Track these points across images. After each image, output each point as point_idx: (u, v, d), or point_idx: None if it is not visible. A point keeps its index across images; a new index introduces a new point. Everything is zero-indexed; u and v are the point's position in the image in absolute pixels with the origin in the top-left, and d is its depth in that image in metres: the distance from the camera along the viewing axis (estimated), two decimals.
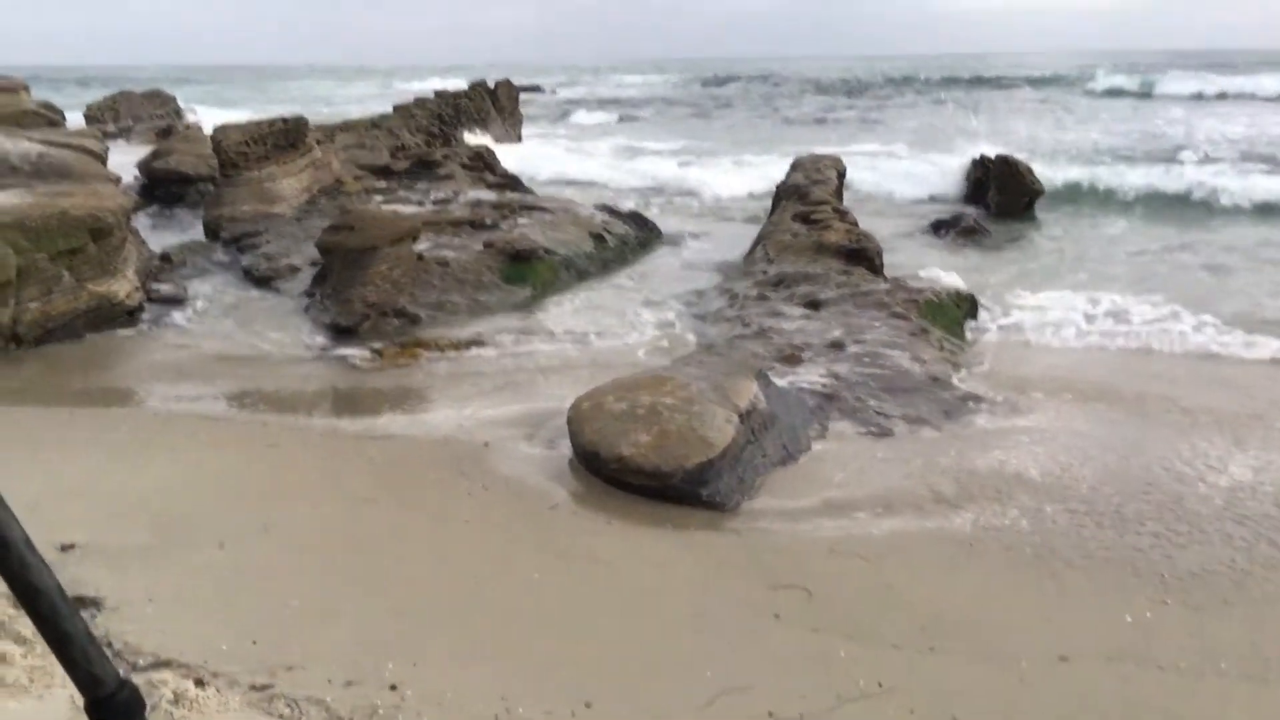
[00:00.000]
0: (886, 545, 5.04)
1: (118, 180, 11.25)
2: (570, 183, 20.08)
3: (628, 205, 15.59)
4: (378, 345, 8.71)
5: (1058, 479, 5.86)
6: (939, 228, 14.70)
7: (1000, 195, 16.14)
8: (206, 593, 4.19)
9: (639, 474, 5.62)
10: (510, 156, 20.03)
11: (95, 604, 4.01)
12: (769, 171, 18.32)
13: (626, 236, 13.31)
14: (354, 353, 8.45)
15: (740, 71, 79.42)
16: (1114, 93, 44.63)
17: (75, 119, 24.35)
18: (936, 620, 4.25)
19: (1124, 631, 4.22)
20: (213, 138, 14.31)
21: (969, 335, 9.24)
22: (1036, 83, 51.87)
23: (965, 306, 9.74)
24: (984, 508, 5.47)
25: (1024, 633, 4.18)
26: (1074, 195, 17.30)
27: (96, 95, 34.70)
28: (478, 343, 8.83)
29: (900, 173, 19.55)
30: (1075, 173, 17.28)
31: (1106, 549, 4.95)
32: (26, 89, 16.71)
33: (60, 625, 1.20)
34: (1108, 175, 17.64)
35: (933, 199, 17.62)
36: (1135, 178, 17.73)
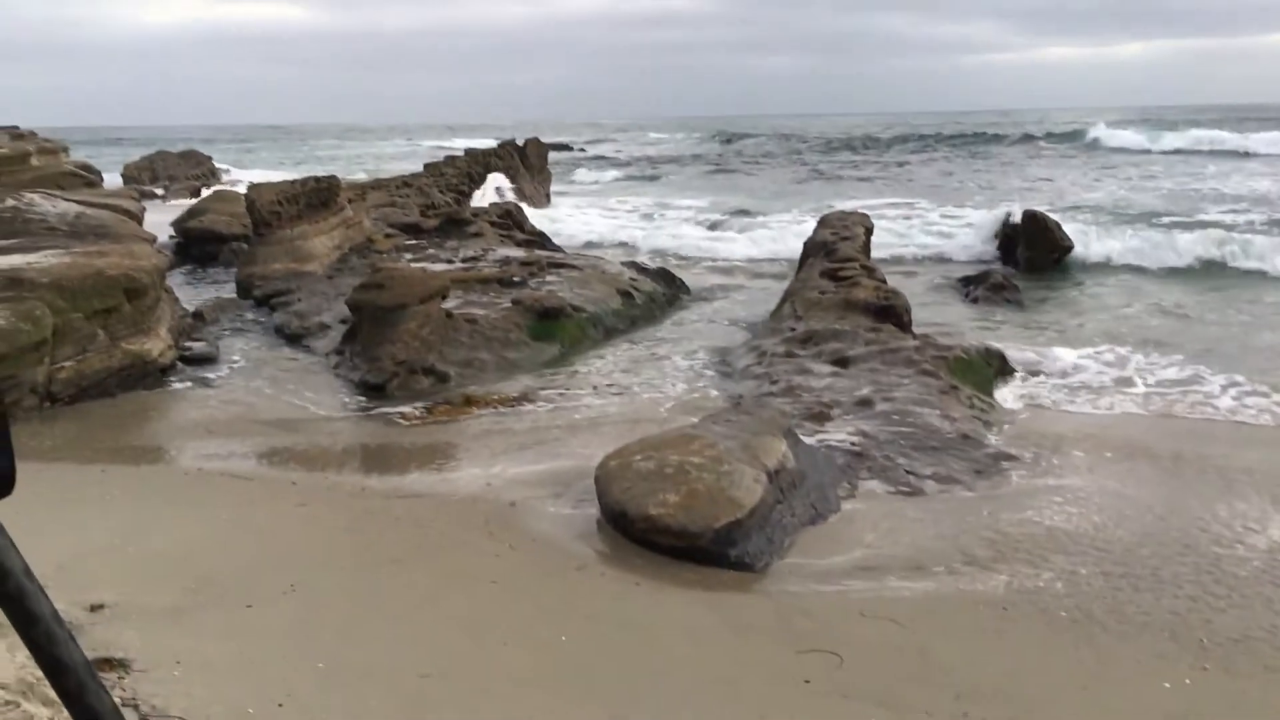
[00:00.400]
0: (919, 608, 4.97)
1: (153, 240, 11.43)
2: (597, 242, 20.19)
3: (655, 262, 15.66)
4: (423, 403, 8.76)
5: (1092, 540, 5.78)
6: (968, 284, 14.66)
7: (1029, 251, 16.12)
8: (234, 655, 4.18)
9: (667, 534, 5.59)
10: (540, 217, 20.24)
11: (124, 666, 4.00)
12: (793, 228, 18.41)
13: (654, 293, 13.36)
14: (401, 410, 8.49)
15: (760, 128, 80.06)
16: (1126, 150, 43.85)
17: (112, 178, 24.81)
18: (971, 687, 4.18)
19: (1163, 699, 4.13)
20: (246, 197, 14.55)
21: (999, 393, 9.16)
22: (1057, 138, 51.67)
23: (995, 364, 9.68)
24: (1018, 570, 5.39)
25: (1060, 700, 4.10)
26: (1104, 252, 17.22)
27: (131, 155, 35.39)
28: (527, 398, 8.84)
29: (926, 229, 19.57)
30: (1109, 245, 16.98)
31: (1144, 613, 4.86)
32: (66, 150, 17.09)
33: (88, 702, 1.20)
34: (1141, 241, 17.32)
35: (959, 257, 17.60)
36: (1164, 236, 17.57)
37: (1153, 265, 16.17)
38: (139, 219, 12.65)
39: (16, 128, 17.83)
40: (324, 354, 10.47)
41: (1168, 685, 4.22)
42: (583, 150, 58.29)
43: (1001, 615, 4.89)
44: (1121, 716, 3.94)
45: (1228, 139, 43.43)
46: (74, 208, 11.32)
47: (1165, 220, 20.00)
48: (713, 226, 21.48)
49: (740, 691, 4.12)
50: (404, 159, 48.06)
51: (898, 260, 17.22)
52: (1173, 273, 15.89)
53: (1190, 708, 4.03)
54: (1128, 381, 9.50)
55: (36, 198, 11.50)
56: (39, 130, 19.08)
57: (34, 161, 14.91)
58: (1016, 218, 17.25)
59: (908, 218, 21.38)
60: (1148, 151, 42.69)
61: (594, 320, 11.58)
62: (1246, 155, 39.21)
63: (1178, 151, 41.60)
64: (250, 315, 12.27)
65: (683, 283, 14.44)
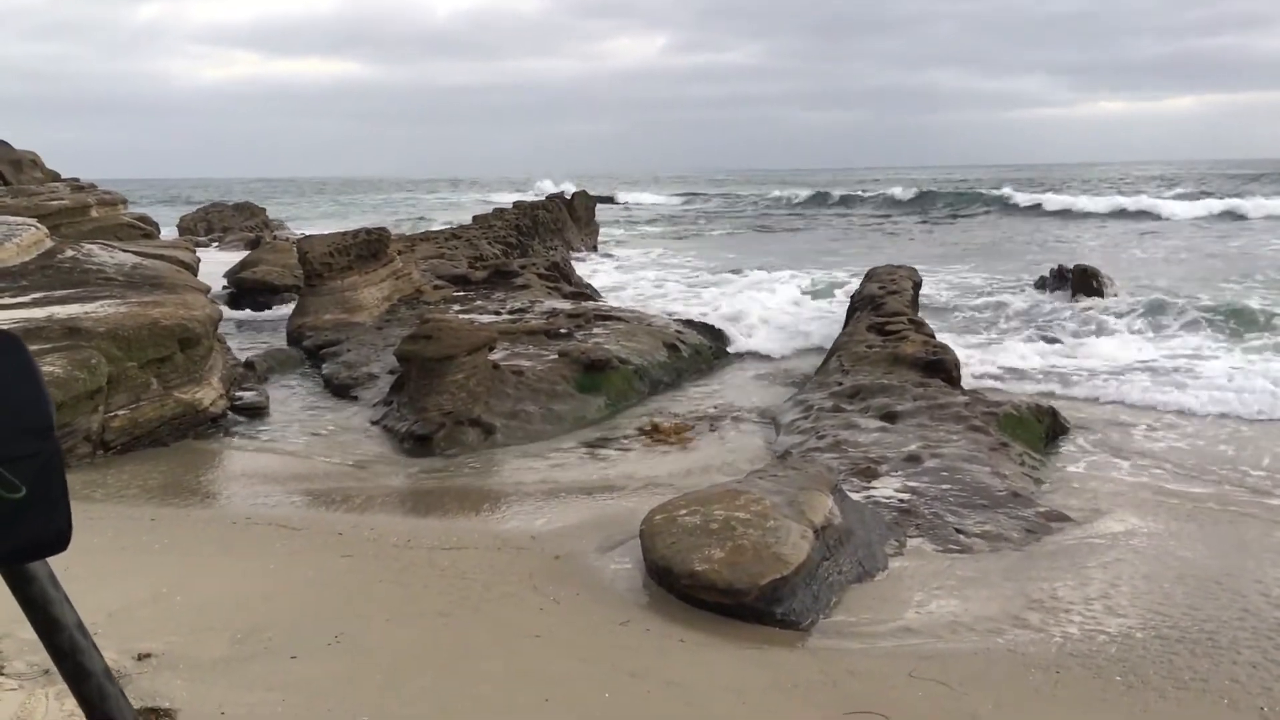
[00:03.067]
0: (968, 670, 4.87)
1: (207, 290, 11.64)
2: (641, 295, 20.25)
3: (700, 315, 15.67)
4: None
5: (1147, 602, 5.65)
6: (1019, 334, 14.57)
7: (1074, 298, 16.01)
8: (279, 706, 4.18)
9: (712, 591, 5.54)
10: (586, 270, 20.31)
11: (169, 716, 4.01)
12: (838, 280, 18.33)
13: (700, 346, 13.37)
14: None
15: (811, 181, 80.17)
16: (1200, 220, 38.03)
17: (169, 230, 25.35)
18: None
19: None
20: (298, 248, 14.81)
21: (1051, 450, 9.04)
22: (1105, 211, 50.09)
23: (1046, 421, 9.55)
24: (1070, 632, 5.28)
25: None
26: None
27: (185, 208, 36.13)
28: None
29: (972, 287, 19.46)
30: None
31: (1201, 679, 4.73)
32: (124, 203, 17.49)
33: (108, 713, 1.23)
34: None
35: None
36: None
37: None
38: (194, 270, 12.90)
39: (77, 180, 18.27)
40: (372, 404, 10.57)
41: None
42: (626, 207, 58.63)
43: (1054, 679, 4.78)
44: None
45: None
46: (131, 258, 11.57)
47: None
48: (754, 283, 21.40)
49: None
50: (452, 210, 48.70)
51: (944, 313, 17.08)
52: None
53: None
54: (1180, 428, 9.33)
55: (95, 248, 11.77)
56: (98, 182, 19.54)
57: (93, 213, 15.27)
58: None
59: (956, 274, 21.26)
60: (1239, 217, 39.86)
61: (640, 373, 11.59)
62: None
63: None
64: (300, 365, 12.42)
65: (727, 335, 14.43)
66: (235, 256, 23.16)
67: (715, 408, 10.70)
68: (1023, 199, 45.86)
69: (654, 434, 9.60)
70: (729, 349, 14.03)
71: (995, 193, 48.56)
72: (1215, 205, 39.20)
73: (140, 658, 4.50)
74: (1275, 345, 13.12)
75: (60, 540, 1.71)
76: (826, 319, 15.34)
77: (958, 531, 6.90)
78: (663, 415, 10.31)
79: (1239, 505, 7.48)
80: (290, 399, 10.91)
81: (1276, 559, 6.32)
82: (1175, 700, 4.55)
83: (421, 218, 42.01)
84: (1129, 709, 4.48)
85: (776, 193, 56.32)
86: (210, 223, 31.72)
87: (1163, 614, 5.48)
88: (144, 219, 16.98)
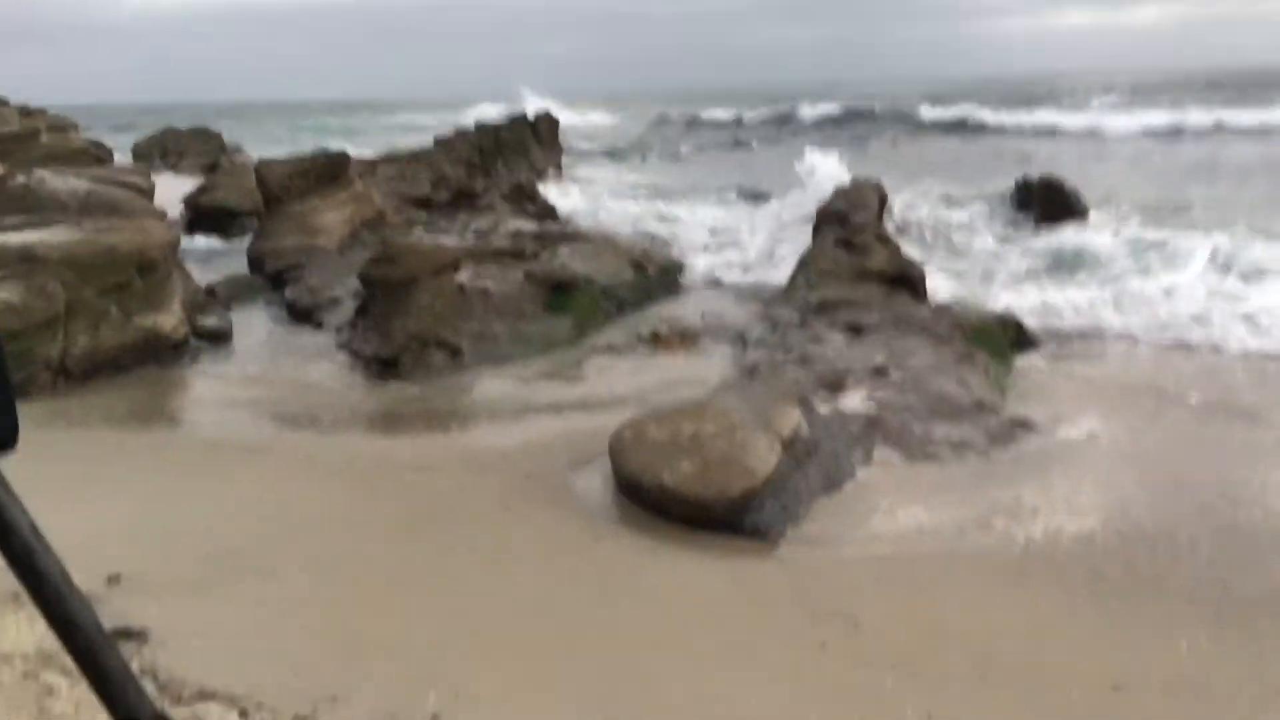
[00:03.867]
0: (934, 574, 4.96)
1: (164, 215, 11.43)
2: (606, 216, 20.05)
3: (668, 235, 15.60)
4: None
5: (1108, 504, 5.76)
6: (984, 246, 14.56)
7: (1045, 218, 15.98)
8: (250, 625, 4.20)
9: (682, 503, 5.58)
10: (550, 192, 20.08)
11: (141, 636, 4.02)
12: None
13: (667, 265, 13.30)
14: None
15: (779, 92, 79.12)
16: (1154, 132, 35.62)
17: (123, 156, 24.84)
18: (987, 651, 4.17)
19: (1181, 661, 4.11)
20: (257, 172, 14.53)
21: (1016, 359, 9.11)
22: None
23: (1011, 332, 9.61)
24: (1033, 535, 5.38)
25: (1076, 662, 4.09)
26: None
27: (138, 134, 35.35)
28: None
29: (938, 198, 19.37)
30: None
31: (1160, 576, 4.85)
32: (76, 128, 17.10)
33: (97, 659, 1.20)
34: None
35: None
36: None
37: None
38: (150, 195, 12.65)
39: (25, 106, 17.80)
40: (336, 329, 10.47)
41: (1185, 647, 4.21)
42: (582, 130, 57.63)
43: (1018, 581, 4.88)
44: (1139, 678, 3.93)
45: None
46: (84, 184, 11.32)
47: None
48: (723, 203, 21.24)
49: (757, 657, 4.13)
50: (415, 133, 47.96)
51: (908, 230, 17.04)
52: None
53: (1208, 668, 4.02)
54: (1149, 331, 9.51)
55: (47, 175, 11.50)
56: (48, 108, 19.07)
57: (43, 139, 14.93)
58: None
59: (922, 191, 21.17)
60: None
61: (607, 293, 11.53)
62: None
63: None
64: (262, 290, 12.28)
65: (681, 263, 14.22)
66: (192, 182, 22.73)
67: (685, 325, 10.69)
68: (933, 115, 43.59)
69: (658, 341, 10.03)
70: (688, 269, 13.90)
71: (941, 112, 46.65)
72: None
73: (110, 581, 4.49)
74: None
75: (7, 438, 1.67)
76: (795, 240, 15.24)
77: (924, 441, 6.98)
78: (631, 332, 10.33)
79: (1199, 410, 7.60)
80: (253, 324, 10.80)
81: (1234, 459, 6.45)
82: (1135, 597, 4.66)
83: (382, 143, 41.34)
84: (1091, 605, 4.59)
85: (749, 113, 55.46)
86: (165, 148, 31.02)
87: (1123, 515, 5.60)
88: (96, 144, 16.63)
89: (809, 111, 51.74)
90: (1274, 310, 9.87)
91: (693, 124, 52.40)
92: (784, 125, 49.41)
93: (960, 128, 40.30)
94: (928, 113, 44.60)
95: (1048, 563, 5.03)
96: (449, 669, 3.90)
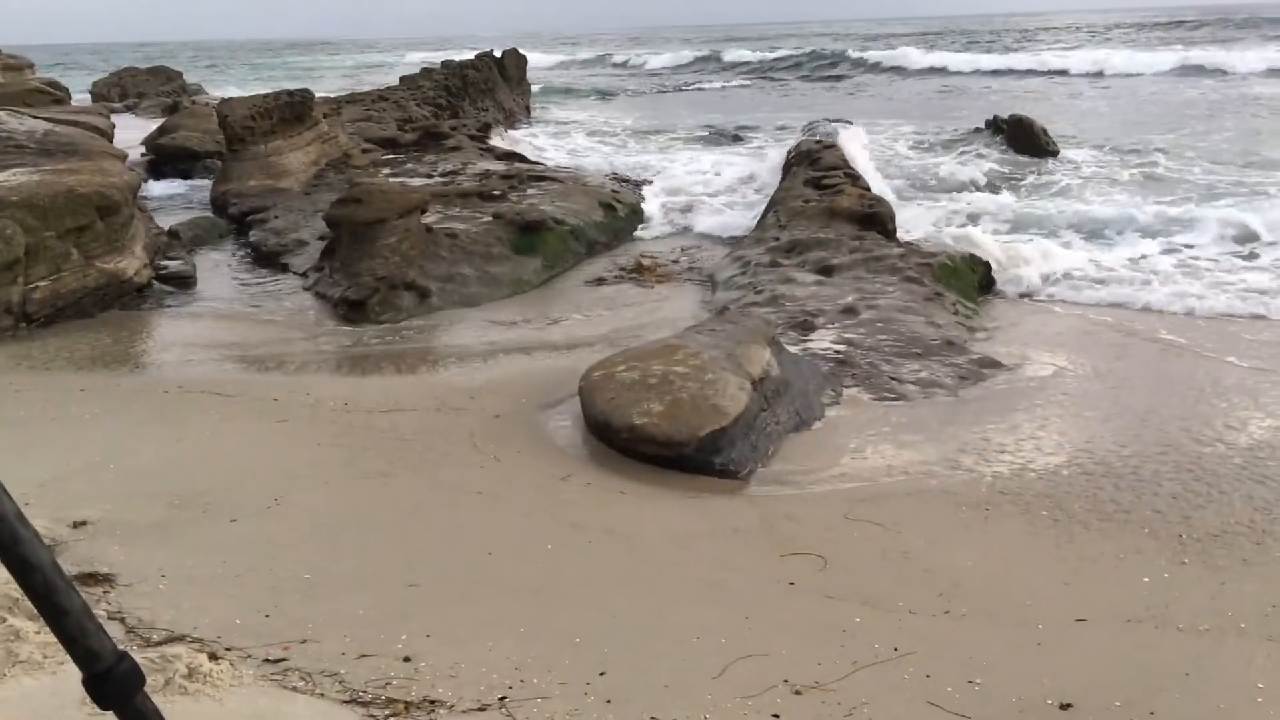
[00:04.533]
0: (902, 511, 5.00)
1: (124, 156, 11.22)
2: (575, 156, 19.89)
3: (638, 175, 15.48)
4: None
5: (1073, 441, 5.81)
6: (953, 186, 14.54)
7: (1016, 155, 16.02)
8: (219, 568, 4.18)
9: (651, 443, 5.59)
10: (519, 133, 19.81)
11: (108, 580, 4.00)
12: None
13: (636, 206, 13.22)
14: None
15: (743, 34, 78.45)
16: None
17: (80, 97, 24.32)
18: (953, 585, 4.22)
19: (1142, 593, 4.18)
20: (219, 112, 14.27)
21: (983, 298, 9.15)
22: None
23: (980, 270, 9.64)
24: (1000, 472, 5.43)
25: (1041, 596, 4.14)
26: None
27: (96, 75, 34.65)
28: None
29: (913, 138, 19.33)
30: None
31: (1124, 511, 4.91)
32: (32, 67, 16.70)
33: (56, 600, 1.18)
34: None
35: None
36: None
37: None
38: (109, 136, 12.40)
39: None
40: (302, 271, 10.36)
41: (1147, 579, 4.27)
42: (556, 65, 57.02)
43: (984, 516, 4.93)
44: (1101, 611, 3.99)
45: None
46: (42, 125, 11.08)
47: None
48: (689, 145, 21.09)
49: (726, 594, 4.15)
50: (379, 72, 47.23)
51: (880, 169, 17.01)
52: None
53: (1169, 600, 4.08)
54: (1111, 275, 9.47)
55: (3, 115, 11.24)
56: (2, 49, 18.59)
57: None
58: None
59: (891, 130, 21.11)
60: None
61: (576, 233, 11.45)
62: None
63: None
64: (226, 233, 12.11)
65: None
66: (153, 124, 22.31)
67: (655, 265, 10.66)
68: (921, 59, 42.89)
69: (641, 271, 10.47)
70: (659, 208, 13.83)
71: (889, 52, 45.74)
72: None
73: (75, 525, 4.46)
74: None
75: None
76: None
77: (893, 380, 7.01)
78: (600, 273, 10.31)
79: (1164, 346, 7.67)
80: (218, 268, 10.66)
81: (1199, 396, 6.51)
82: (1099, 531, 4.72)
83: (347, 83, 40.66)
84: (1055, 540, 4.65)
85: (688, 54, 54.93)
86: (124, 88, 30.43)
87: (1088, 451, 5.65)
88: (53, 84, 16.24)
89: (737, 55, 51.60)
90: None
91: (647, 69, 51.91)
92: (716, 69, 49.06)
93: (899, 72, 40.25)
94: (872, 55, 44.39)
95: (1014, 499, 5.08)
96: (420, 610, 3.91)
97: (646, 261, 10.86)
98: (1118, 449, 5.68)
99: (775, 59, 49.40)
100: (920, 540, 4.68)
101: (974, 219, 12.23)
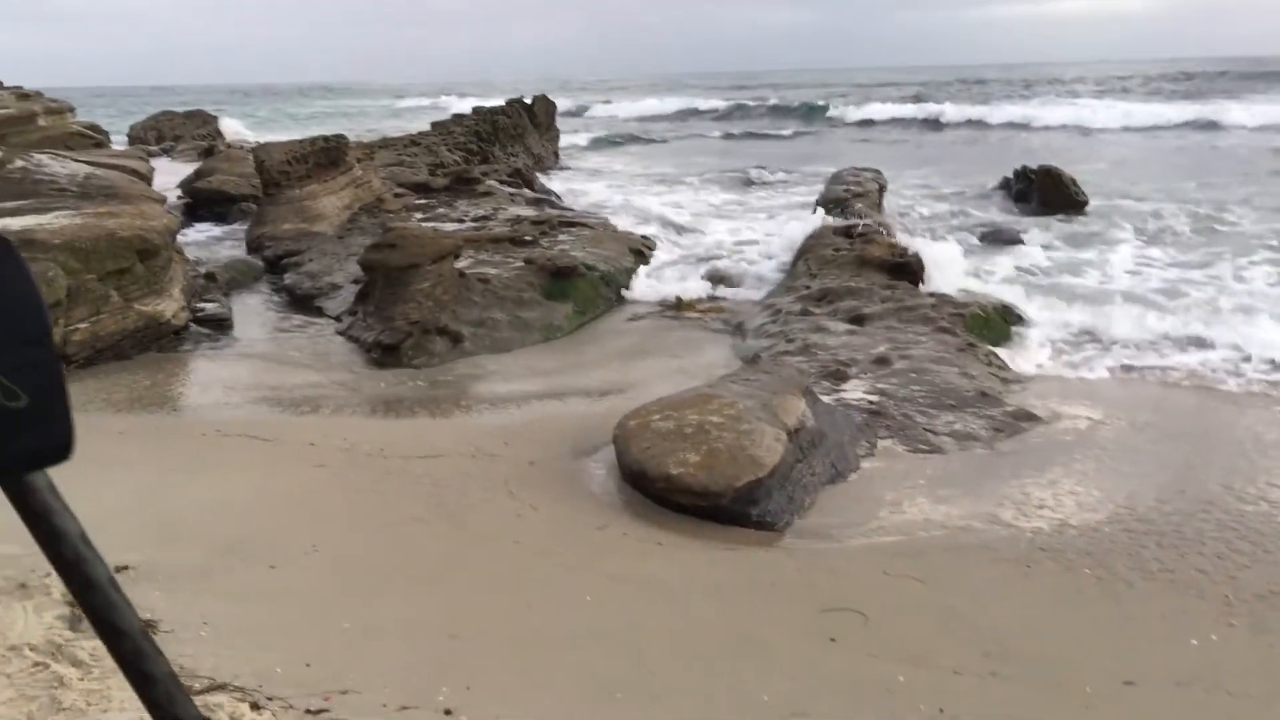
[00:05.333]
0: (942, 566, 4.96)
1: (163, 200, 11.39)
2: (604, 202, 20.02)
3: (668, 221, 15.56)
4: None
5: (1113, 497, 5.76)
6: (982, 236, 14.53)
7: (1044, 208, 15.99)
8: (260, 615, 4.18)
9: (688, 494, 5.58)
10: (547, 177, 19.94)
11: (151, 627, 4.00)
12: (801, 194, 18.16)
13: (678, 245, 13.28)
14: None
15: (774, 80, 78.96)
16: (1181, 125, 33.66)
17: (118, 140, 24.70)
18: (997, 644, 4.17)
19: (1191, 655, 4.12)
20: (255, 156, 14.47)
21: (1016, 350, 9.10)
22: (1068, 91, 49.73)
23: (1012, 320, 9.61)
24: (1039, 527, 5.38)
25: (1088, 657, 4.09)
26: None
27: (133, 117, 35.19)
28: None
29: (935, 190, 19.38)
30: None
31: (1168, 570, 4.85)
32: (72, 111, 16.99)
33: (144, 666, 1.19)
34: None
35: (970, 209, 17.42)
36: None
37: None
38: (148, 179, 12.60)
39: (20, 88, 17.67)
40: (336, 314, 10.45)
41: (1195, 642, 4.21)
42: (586, 111, 57.50)
43: (1025, 573, 4.88)
44: (1150, 673, 3.93)
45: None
46: (83, 168, 11.26)
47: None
48: (723, 190, 21.18)
49: (768, 650, 4.12)
50: (411, 117, 47.78)
51: (906, 218, 17.04)
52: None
53: (1218, 664, 4.02)
54: (1149, 340, 9.37)
55: (45, 158, 11.44)
56: (44, 91, 18.94)
57: (41, 122, 14.83)
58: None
59: (920, 179, 21.18)
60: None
61: (607, 279, 11.50)
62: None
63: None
64: (261, 275, 12.23)
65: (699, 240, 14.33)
66: (188, 167, 22.62)
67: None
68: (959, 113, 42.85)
69: (680, 306, 10.87)
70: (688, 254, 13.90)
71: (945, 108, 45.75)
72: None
73: (117, 570, 4.47)
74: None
75: (63, 449, 1.65)
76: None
77: (927, 431, 6.98)
78: (632, 319, 10.34)
79: (1202, 399, 7.60)
80: (253, 310, 10.76)
81: (1238, 451, 6.44)
82: (1144, 591, 4.66)
83: (377, 127, 41.18)
84: (1099, 599, 4.59)
85: (717, 101, 55.39)
86: (161, 131, 30.87)
87: (1129, 508, 5.59)
88: (94, 128, 16.54)
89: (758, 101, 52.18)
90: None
91: (682, 114, 52.27)
92: (743, 116, 49.41)
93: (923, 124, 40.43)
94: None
95: (1055, 556, 5.03)
96: (460, 661, 3.89)
97: (687, 297, 11.21)
98: (1159, 505, 5.62)
99: (773, 107, 50.13)
100: (962, 597, 4.64)
101: (1003, 273, 12.21)
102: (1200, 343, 8.94)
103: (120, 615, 1.37)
